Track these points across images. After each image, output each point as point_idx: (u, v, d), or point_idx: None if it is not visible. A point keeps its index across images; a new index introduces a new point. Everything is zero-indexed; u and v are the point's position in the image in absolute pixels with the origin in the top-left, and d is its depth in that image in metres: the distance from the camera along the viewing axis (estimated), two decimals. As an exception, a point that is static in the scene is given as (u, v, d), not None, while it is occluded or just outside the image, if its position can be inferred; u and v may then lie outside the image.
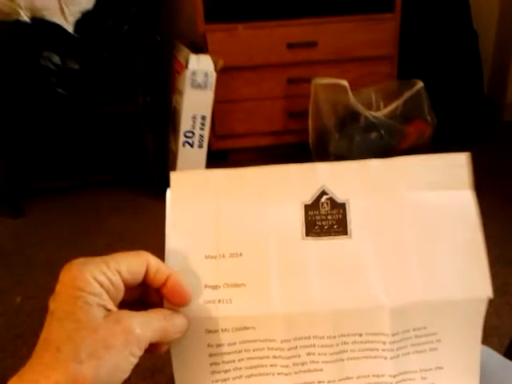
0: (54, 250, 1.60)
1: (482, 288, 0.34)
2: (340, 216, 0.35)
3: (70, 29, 1.77)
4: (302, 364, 0.34)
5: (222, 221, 0.35)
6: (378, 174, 0.36)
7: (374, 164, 0.36)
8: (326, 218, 0.35)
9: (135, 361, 0.30)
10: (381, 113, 1.78)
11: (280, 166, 0.36)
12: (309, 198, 0.36)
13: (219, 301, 0.34)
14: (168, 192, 0.36)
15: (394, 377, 0.35)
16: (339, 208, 0.35)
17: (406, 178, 0.36)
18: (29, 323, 1.27)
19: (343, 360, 0.35)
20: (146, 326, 0.30)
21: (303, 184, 0.36)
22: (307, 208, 0.35)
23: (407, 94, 1.79)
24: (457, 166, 0.36)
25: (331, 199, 0.35)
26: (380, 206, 0.35)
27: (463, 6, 2.13)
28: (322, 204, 0.35)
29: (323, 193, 0.36)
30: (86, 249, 1.59)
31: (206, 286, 0.34)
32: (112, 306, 0.30)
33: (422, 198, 0.36)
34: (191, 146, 1.71)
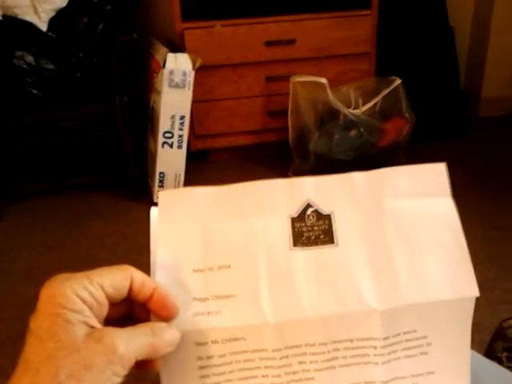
0: (33, 256, 1.57)
1: (469, 288, 0.35)
2: (326, 227, 0.36)
3: (43, 27, 1.74)
4: (294, 373, 0.34)
5: (210, 234, 0.35)
6: (361, 185, 0.37)
7: (357, 176, 0.37)
8: (312, 229, 0.36)
9: (119, 380, 0.29)
10: (360, 110, 1.79)
11: (266, 180, 0.37)
12: (295, 211, 0.36)
13: (208, 313, 0.34)
14: (152, 209, 0.36)
15: (386, 383, 0.35)
16: (325, 219, 0.36)
17: (389, 189, 0.37)
18: (8, 333, 1.23)
19: (335, 367, 0.34)
20: (131, 342, 0.29)
21: (289, 198, 0.36)
22: (294, 220, 0.36)
23: (385, 91, 1.81)
24: (436, 175, 0.37)
25: (316, 211, 0.36)
26: (364, 216, 0.36)
27: (439, 3, 2.16)
28: (308, 216, 0.36)
29: (308, 205, 0.36)
30: (66, 254, 1.57)
31: (194, 299, 0.34)
32: (96, 323, 0.30)
33: (404, 206, 0.37)
34: (170, 146, 1.69)
